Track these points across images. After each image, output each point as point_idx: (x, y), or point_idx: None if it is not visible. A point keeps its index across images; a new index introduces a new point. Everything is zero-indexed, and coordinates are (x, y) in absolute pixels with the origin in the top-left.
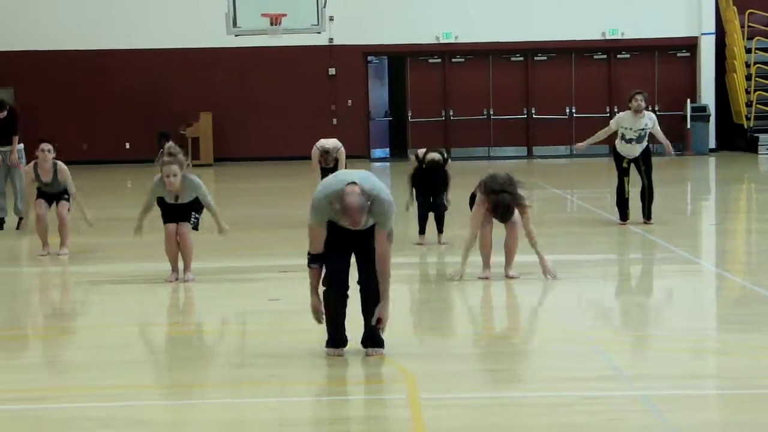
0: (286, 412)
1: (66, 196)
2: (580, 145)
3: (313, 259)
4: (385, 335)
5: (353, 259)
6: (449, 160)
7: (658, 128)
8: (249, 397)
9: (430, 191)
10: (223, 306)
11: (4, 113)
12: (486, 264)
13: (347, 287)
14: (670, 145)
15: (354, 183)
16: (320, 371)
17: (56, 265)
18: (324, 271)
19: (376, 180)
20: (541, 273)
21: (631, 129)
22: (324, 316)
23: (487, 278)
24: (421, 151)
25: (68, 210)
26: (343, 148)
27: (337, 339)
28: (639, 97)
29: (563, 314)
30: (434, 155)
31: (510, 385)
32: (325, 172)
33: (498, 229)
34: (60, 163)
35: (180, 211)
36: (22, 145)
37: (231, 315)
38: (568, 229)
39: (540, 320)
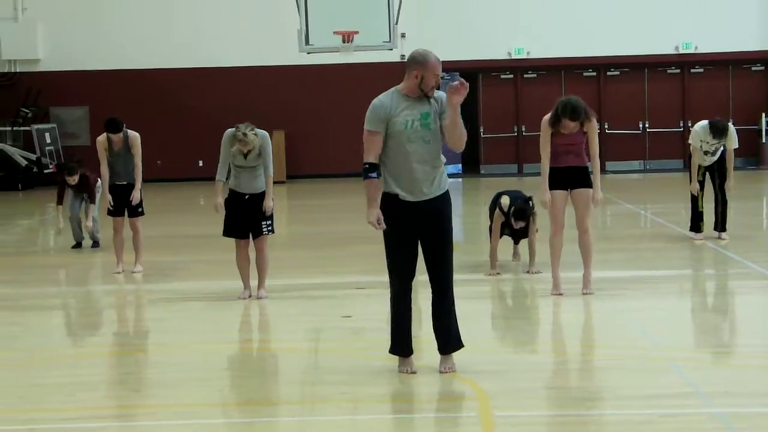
0: (358, 429)
1: (140, 209)
2: (694, 188)
3: (371, 169)
4: (458, 352)
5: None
6: (533, 210)
7: (734, 147)
8: (321, 415)
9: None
10: (296, 323)
11: (76, 178)
12: (556, 278)
13: (410, 291)
14: (732, 183)
15: None
16: (392, 388)
17: (130, 283)
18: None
19: None
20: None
21: (708, 142)
22: (385, 225)
23: (560, 294)
24: (506, 203)
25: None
26: None
27: (401, 343)
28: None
29: (638, 330)
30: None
31: (585, 402)
32: None
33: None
34: (131, 132)
35: (251, 222)
36: (99, 182)
37: (303, 332)
38: (643, 244)
39: (614, 336)
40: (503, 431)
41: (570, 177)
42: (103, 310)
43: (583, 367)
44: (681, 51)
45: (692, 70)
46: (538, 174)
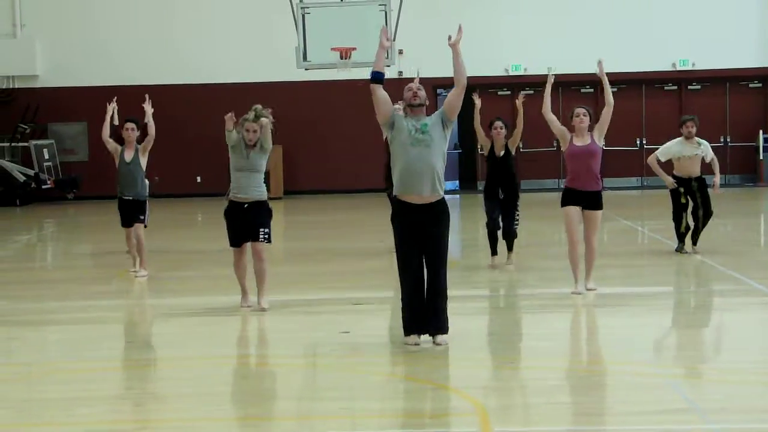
0: None
1: (141, 217)
2: (669, 181)
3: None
4: (457, 368)
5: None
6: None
7: (714, 156)
8: (320, 430)
9: (499, 205)
10: (294, 339)
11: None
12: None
13: (422, 271)
14: (718, 185)
15: None
16: (391, 404)
17: (129, 298)
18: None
19: None
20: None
21: (686, 153)
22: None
23: (579, 293)
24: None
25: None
26: None
27: (411, 326)
28: (690, 123)
29: (636, 346)
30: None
31: (584, 418)
32: None
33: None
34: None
35: (249, 227)
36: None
37: (302, 347)
38: (641, 260)
39: (612, 352)
40: None
41: (585, 198)
42: (101, 324)
43: (581, 383)
44: (678, 68)
45: (689, 87)
46: (539, 190)
